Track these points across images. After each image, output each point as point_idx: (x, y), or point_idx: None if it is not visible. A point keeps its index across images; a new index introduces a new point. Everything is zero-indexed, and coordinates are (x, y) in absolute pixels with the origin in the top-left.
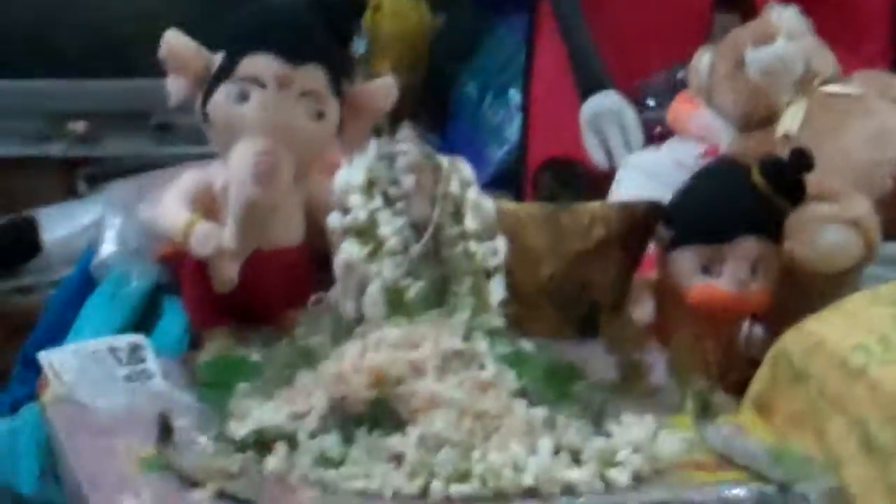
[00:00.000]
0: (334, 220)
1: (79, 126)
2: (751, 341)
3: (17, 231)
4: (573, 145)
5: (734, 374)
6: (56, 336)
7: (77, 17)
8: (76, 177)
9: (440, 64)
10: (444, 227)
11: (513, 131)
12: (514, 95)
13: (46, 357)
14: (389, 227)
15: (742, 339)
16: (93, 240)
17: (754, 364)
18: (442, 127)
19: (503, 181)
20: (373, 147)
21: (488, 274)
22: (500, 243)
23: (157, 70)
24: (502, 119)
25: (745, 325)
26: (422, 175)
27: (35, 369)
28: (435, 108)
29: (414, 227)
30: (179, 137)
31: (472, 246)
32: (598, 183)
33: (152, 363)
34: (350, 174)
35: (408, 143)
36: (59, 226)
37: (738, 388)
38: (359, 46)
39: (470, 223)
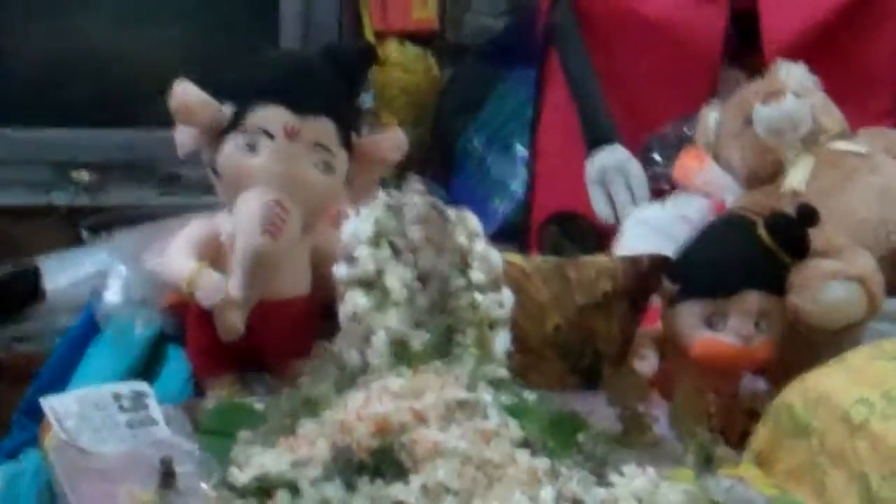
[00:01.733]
0: (341, 271)
1: (84, 175)
2: (752, 394)
3: (20, 279)
4: (579, 200)
5: (735, 427)
6: (59, 383)
7: (84, 67)
8: (80, 226)
9: (446, 117)
10: (450, 279)
11: (518, 185)
12: (520, 149)
13: (49, 403)
14: (396, 278)
15: (744, 393)
16: (97, 287)
17: (755, 417)
18: (447, 180)
19: (508, 235)
20: (381, 198)
21: (493, 325)
22: (507, 295)
23: (163, 120)
24: (508, 172)
25: (747, 378)
26: (429, 226)
27: (36, 416)
28: (441, 161)
29: (420, 278)
30: (185, 188)
31: (478, 297)
32: (604, 237)
33: (155, 410)
34: (358, 225)
35: (415, 195)
36: (62, 274)
37: (739, 441)
38: (366, 100)
39: (476, 275)
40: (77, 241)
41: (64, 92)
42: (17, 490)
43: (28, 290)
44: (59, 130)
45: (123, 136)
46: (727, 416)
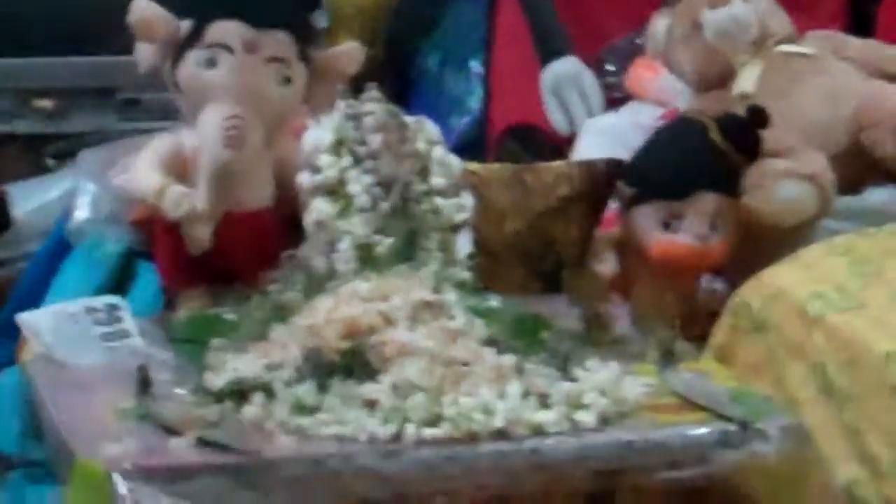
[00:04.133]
0: (304, 180)
1: (45, 103)
2: (711, 295)
3: None
4: (534, 112)
5: (695, 327)
6: (33, 301)
7: None
8: (44, 153)
9: (401, 37)
10: (411, 184)
11: (474, 101)
12: (475, 66)
13: (25, 318)
14: (358, 185)
15: (702, 292)
16: (66, 208)
17: (714, 317)
18: (404, 100)
19: (466, 151)
20: (340, 108)
21: (455, 229)
22: (467, 199)
23: (122, 47)
24: (463, 89)
25: (705, 279)
26: (388, 134)
27: (12, 335)
28: (396, 81)
29: (382, 185)
30: (145, 113)
31: (439, 202)
32: (560, 148)
33: (129, 323)
34: (318, 134)
35: (374, 103)
36: (29, 200)
37: (699, 341)
38: (320, 21)
39: (436, 180)
40: (41, 169)
41: (23, 21)
42: None
43: None
44: (19, 60)
45: (84, 64)
46: (687, 316)
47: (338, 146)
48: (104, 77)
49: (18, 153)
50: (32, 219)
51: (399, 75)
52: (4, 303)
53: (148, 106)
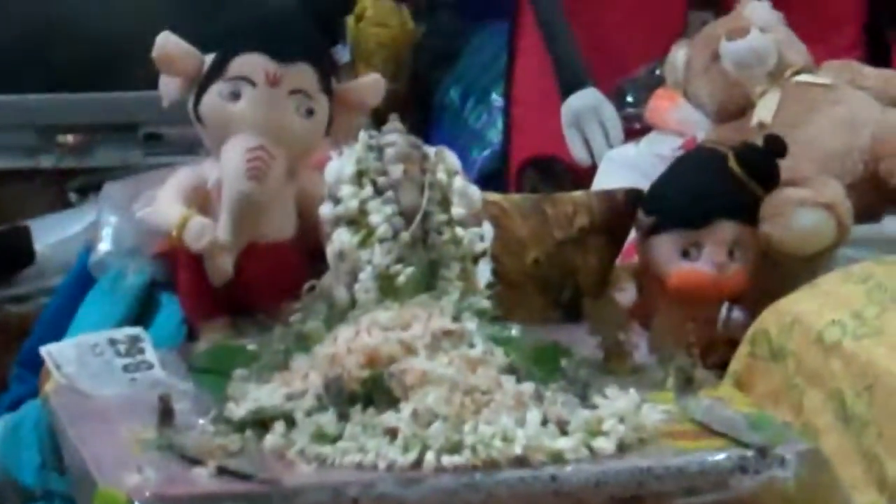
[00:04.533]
0: (326, 210)
1: (69, 138)
2: (730, 323)
3: (11, 240)
4: (555, 144)
5: (714, 356)
6: (56, 334)
7: (68, 32)
8: (67, 188)
9: (422, 70)
10: (432, 215)
11: (495, 134)
12: (496, 99)
13: (48, 350)
14: (379, 216)
15: (721, 321)
16: (88, 240)
17: (733, 345)
18: (425, 133)
19: (486, 184)
20: (362, 139)
21: (475, 259)
22: (487, 229)
23: (145, 82)
24: (484, 123)
25: (724, 307)
26: (409, 164)
27: (34, 368)
28: (418, 115)
29: (403, 215)
30: (168, 147)
31: (460, 232)
32: (580, 179)
33: (150, 354)
34: (340, 165)
35: (395, 134)
36: (52, 235)
37: (718, 369)
38: (343, 55)
39: (457, 210)
40: (65, 204)
41: (46, 57)
42: (18, 438)
43: (19, 251)
44: (43, 95)
45: (107, 99)
46: (706, 344)
47: (359, 177)
48: (127, 112)
49: (42, 188)
50: (55, 253)
51: (421, 109)
52: (26, 337)
53: (171, 140)
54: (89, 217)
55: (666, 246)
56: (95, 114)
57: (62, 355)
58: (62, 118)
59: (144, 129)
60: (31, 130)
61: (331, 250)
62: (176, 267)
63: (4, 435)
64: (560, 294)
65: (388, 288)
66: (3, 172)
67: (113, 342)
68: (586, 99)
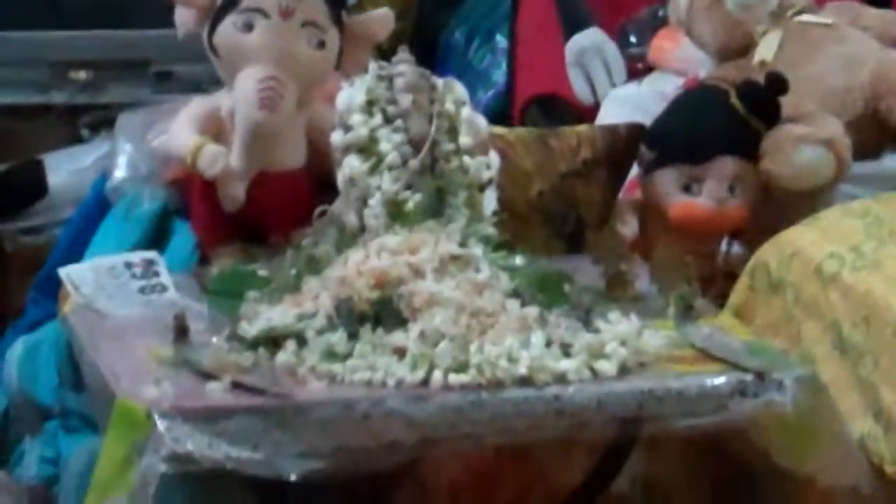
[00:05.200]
0: (337, 138)
1: (81, 75)
2: (729, 258)
3: (26, 173)
4: (558, 83)
5: (714, 289)
6: (72, 259)
7: None
8: (79, 123)
9: (428, 12)
10: (439, 143)
11: (499, 75)
12: (501, 40)
13: (66, 272)
14: (389, 144)
15: (721, 256)
16: (103, 168)
17: (733, 280)
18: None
19: (491, 124)
20: (372, 68)
21: (482, 187)
22: (493, 158)
23: (157, 21)
24: (489, 64)
25: (724, 242)
26: (418, 94)
27: (50, 293)
28: (423, 56)
29: (411, 144)
30: (178, 85)
31: (467, 160)
32: (583, 118)
33: (165, 277)
34: (351, 94)
35: (405, 65)
36: (64, 169)
37: (718, 303)
38: None
39: (464, 139)
40: (77, 139)
41: None
42: (36, 358)
43: (33, 184)
44: (55, 32)
45: (119, 37)
46: (706, 278)
47: (369, 106)
48: (139, 50)
49: (54, 123)
50: (67, 187)
51: (426, 50)
52: (40, 267)
53: (180, 78)
54: (101, 152)
55: (667, 181)
56: (108, 51)
57: (80, 277)
58: (75, 55)
59: (155, 67)
60: (44, 66)
61: (341, 177)
62: (189, 194)
63: (22, 355)
64: (563, 226)
65: (396, 214)
66: (17, 108)
67: (129, 265)
68: (590, 38)
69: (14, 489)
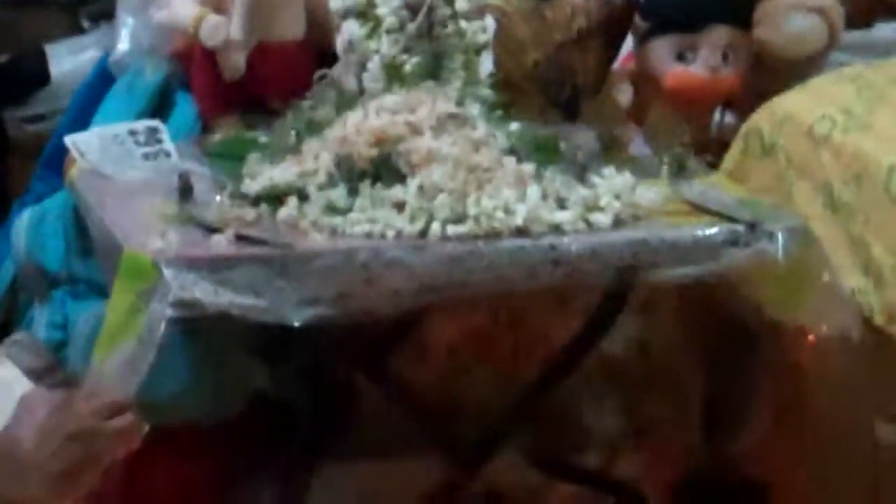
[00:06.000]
0: (336, 3)
1: None
2: (722, 127)
3: (27, 61)
4: None
5: (708, 157)
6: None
7: None
8: (80, 15)
9: None
10: (437, 8)
11: None
12: None
13: (72, 139)
14: (386, 7)
15: (714, 125)
16: (104, 47)
17: (726, 148)
18: None
19: None
20: None
21: (478, 51)
22: (489, 22)
23: None
24: None
25: (717, 111)
26: None
27: (56, 168)
28: None
29: (409, 8)
30: None
31: (463, 25)
32: None
33: (168, 144)
34: None
35: None
36: (66, 59)
37: (711, 169)
38: None
39: (460, 3)
40: (78, 30)
41: None
42: (43, 227)
43: (35, 72)
44: None
45: None
46: (700, 147)
47: None
48: None
49: (55, 15)
50: (68, 76)
51: None
52: (41, 154)
53: None
54: (101, 44)
55: (662, 49)
56: None
57: (85, 144)
58: None
59: None
60: None
61: (340, 41)
62: (191, 65)
63: (30, 224)
64: (559, 95)
65: (395, 76)
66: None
67: (133, 133)
68: None
69: (36, 348)
